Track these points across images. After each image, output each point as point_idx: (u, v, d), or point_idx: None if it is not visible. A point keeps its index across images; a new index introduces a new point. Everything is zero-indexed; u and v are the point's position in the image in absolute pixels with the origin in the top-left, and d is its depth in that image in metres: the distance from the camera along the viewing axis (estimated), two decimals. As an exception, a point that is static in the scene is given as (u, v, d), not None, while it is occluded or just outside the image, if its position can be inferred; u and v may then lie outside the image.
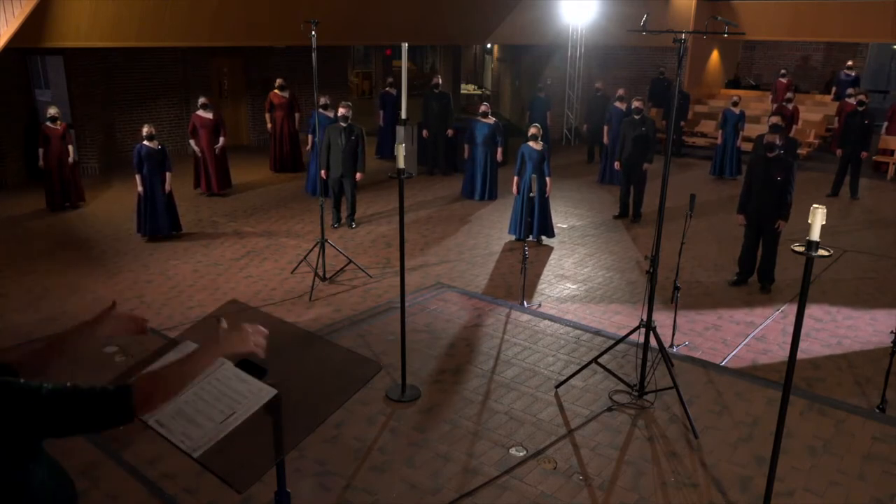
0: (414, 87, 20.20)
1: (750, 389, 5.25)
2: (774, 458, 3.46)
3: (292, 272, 7.69)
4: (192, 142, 10.79)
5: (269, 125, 12.54)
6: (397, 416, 4.83)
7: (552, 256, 8.48)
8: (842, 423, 4.81)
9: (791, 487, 4.11)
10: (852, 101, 12.69)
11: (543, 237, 8.91)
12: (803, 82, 19.01)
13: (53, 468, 2.07)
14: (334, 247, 7.79)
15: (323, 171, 8.98)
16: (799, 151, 12.72)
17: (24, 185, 11.45)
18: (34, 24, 8.84)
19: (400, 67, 5.11)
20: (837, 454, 4.46)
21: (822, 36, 16.53)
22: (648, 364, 5.09)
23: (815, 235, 3.00)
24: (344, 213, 9.63)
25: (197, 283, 7.40)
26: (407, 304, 5.23)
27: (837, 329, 6.48)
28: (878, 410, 5.00)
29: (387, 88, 14.36)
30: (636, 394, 5.09)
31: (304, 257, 7.77)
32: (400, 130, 6.10)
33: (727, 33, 4.65)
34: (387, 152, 14.10)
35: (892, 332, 5.12)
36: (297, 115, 12.59)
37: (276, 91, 12.39)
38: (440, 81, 13.26)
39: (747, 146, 12.71)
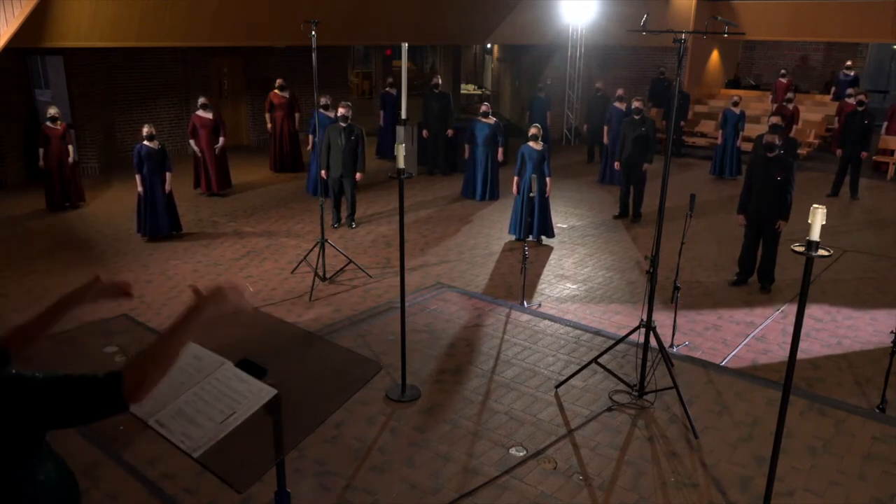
0: (414, 87, 20.17)
1: (750, 389, 5.25)
2: (774, 458, 3.46)
3: (292, 272, 7.69)
4: (191, 142, 10.79)
5: (269, 125, 12.54)
6: (397, 416, 4.83)
7: (552, 256, 8.48)
8: (842, 423, 4.81)
9: (791, 487, 4.11)
10: (852, 101, 12.68)
11: (543, 237, 8.91)
12: (803, 82, 19.01)
13: (58, 466, 2.06)
14: (334, 247, 7.79)
15: (323, 171, 8.98)
16: (799, 151, 12.73)
17: (24, 185, 11.45)
18: (34, 24, 8.84)
19: (400, 67, 5.11)
20: (837, 454, 4.46)
21: (821, 36, 16.53)
22: (648, 364, 5.09)
23: (815, 235, 3.00)
24: (344, 213, 9.63)
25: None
26: (407, 304, 5.23)
27: (837, 329, 6.48)
28: (878, 410, 5.00)
29: (387, 88, 14.35)
30: (636, 394, 5.09)
31: (304, 257, 7.77)
32: (400, 130, 6.09)
33: (727, 33, 4.65)
34: (387, 152, 14.09)
35: (892, 332, 5.12)
36: (297, 115, 12.59)
37: (276, 91, 12.39)
38: (440, 81, 13.26)
39: (747, 146, 12.71)
